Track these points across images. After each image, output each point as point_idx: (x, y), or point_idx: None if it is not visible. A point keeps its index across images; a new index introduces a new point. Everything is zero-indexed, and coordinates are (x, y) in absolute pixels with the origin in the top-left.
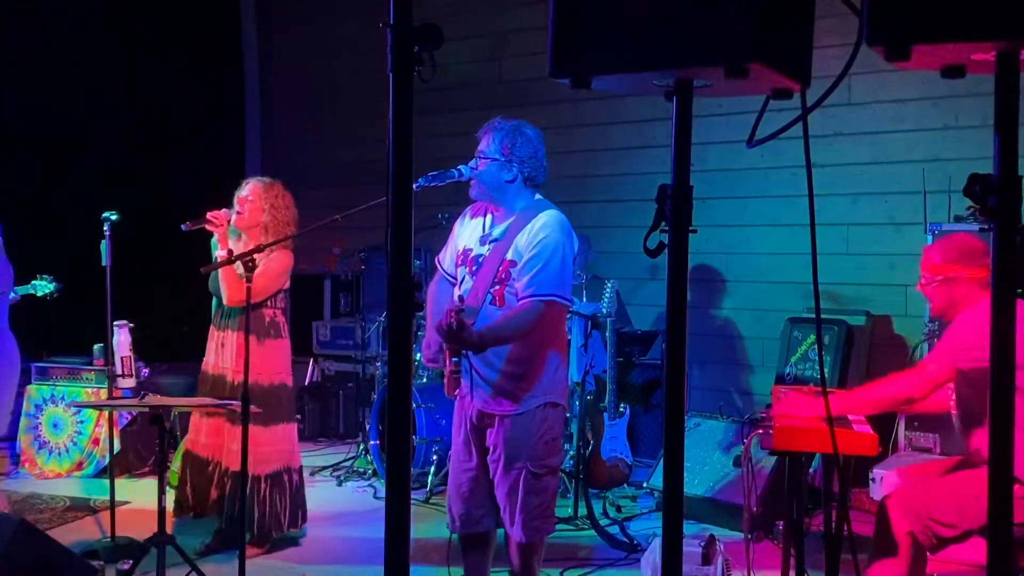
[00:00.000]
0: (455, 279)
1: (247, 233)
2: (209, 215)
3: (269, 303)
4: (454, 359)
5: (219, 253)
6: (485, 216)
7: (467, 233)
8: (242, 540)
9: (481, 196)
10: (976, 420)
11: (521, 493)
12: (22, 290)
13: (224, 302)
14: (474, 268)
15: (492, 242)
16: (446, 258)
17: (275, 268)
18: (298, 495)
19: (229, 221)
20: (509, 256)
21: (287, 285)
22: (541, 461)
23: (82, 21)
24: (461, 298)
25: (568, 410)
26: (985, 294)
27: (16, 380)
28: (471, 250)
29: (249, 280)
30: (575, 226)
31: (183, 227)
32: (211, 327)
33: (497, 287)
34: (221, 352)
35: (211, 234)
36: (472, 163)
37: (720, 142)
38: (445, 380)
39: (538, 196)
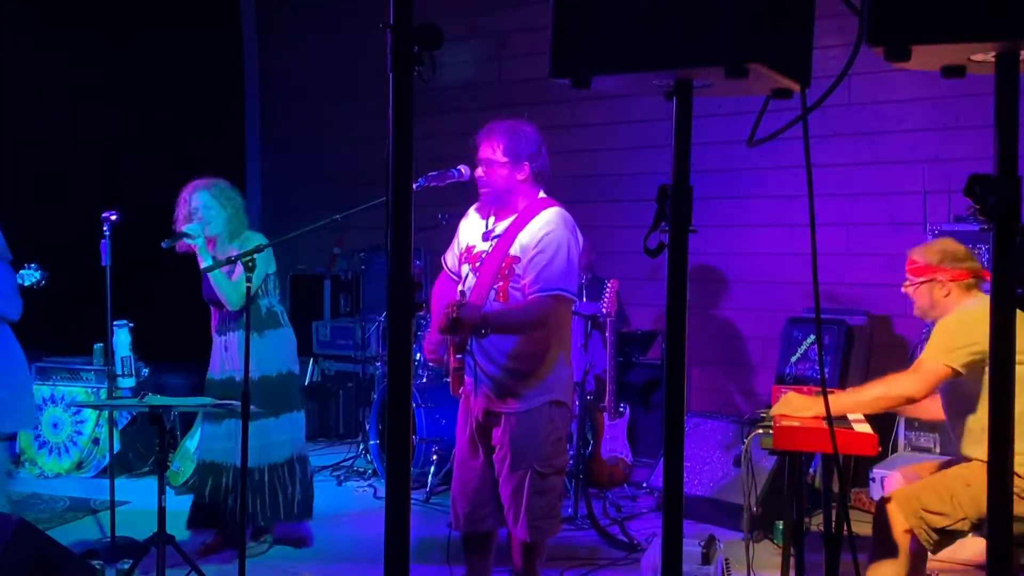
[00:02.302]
0: (458, 276)
1: (218, 237)
2: (181, 230)
3: (260, 292)
4: (457, 355)
5: (207, 265)
6: (488, 213)
7: (470, 230)
8: (242, 540)
9: (492, 200)
10: (961, 418)
11: (527, 493)
12: None
13: (228, 308)
14: (477, 264)
15: (494, 238)
16: (449, 256)
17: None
18: (309, 485)
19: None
20: (512, 252)
21: (272, 268)
22: (548, 461)
23: (83, 21)
24: (463, 293)
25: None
26: (966, 296)
27: (28, 374)
28: (474, 246)
29: (250, 280)
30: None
31: (163, 244)
32: (213, 336)
33: (501, 283)
34: (226, 355)
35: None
36: (478, 172)
37: (720, 142)
38: (450, 378)
39: (542, 194)
